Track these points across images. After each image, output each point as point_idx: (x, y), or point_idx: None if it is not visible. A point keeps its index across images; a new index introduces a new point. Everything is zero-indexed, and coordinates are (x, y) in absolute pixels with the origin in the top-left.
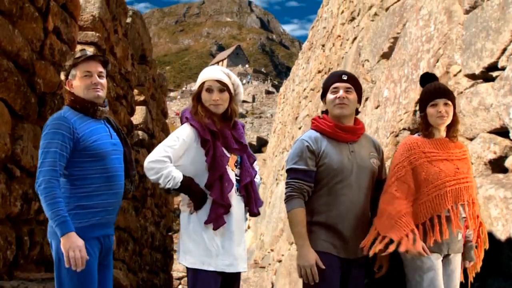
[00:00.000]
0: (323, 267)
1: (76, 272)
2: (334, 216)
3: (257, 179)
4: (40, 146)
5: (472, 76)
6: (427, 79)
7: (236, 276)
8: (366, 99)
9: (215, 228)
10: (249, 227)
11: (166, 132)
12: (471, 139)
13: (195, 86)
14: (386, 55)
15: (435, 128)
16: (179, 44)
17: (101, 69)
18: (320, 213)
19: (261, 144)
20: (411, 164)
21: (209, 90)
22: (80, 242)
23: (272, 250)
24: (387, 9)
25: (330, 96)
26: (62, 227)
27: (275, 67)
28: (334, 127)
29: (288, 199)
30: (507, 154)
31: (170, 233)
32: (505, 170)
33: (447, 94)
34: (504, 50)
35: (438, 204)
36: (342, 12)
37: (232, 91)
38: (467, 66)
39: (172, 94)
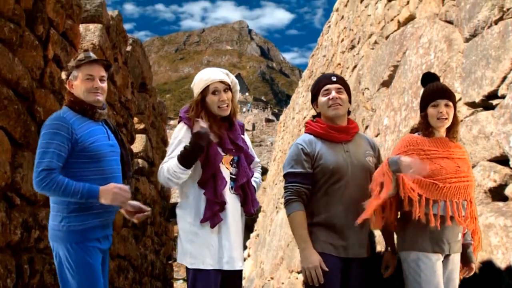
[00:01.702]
0: (327, 269)
1: (80, 274)
2: (333, 216)
3: (257, 179)
4: (38, 145)
5: (472, 104)
6: (429, 79)
7: (235, 275)
8: (366, 127)
9: (212, 226)
10: (249, 255)
11: None
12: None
13: (196, 91)
14: (386, 83)
15: (435, 128)
16: (179, 72)
17: (103, 73)
18: (319, 214)
19: (261, 172)
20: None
21: (216, 92)
22: (111, 187)
23: (272, 278)
24: (387, 37)
25: (322, 98)
26: (91, 195)
27: (275, 95)
28: (327, 128)
29: (287, 203)
30: (507, 182)
31: (170, 261)
32: (505, 198)
33: (449, 95)
34: (504, 78)
35: (431, 193)
36: (342, 40)
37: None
38: (467, 94)
39: (172, 122)
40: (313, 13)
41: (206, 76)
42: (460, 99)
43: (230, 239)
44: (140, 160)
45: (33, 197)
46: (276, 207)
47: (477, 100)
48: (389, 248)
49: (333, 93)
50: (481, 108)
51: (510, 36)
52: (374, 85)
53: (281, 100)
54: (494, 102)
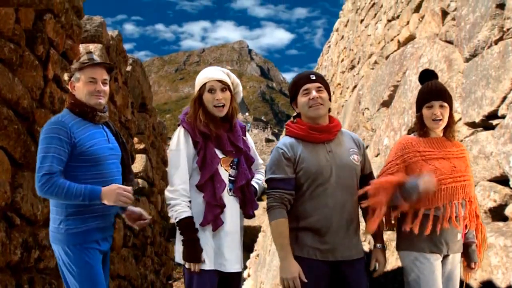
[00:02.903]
0: (305, 280)
1: (80, 275)
2: (319, 219)
3: (259, 180)
4: (38, 151)
5: (472, 124)
6: (427, 76)
7: (234, 277)
8: (366, 147)
9: (214, 229)
10: (249, 275)
11: (166, 180)
12: None
13: (195, 90)
14: (386, 103)
15: (431, 129)
16: (179, 92)
17: (106, 76)
18: (305, 218)
19: (262, 192)
20: (404, 162)
21: (211, 91)
22: (114, 187)
23: None
24: (387, 57)
25: (302, 99)
26: (92, 196)
27: (275, 115)
28: (307, 129)
29: (269, 209)
30: (507, 203)
31: (170, 281)
32: (505, 218)
33: (443, 96)
34: (504, 98)
35: (430, 200)
36: (342, 60)
37: (232, 90)
38: (467, 115)
39: None
40: (313, 33)
41: (205, 75)
42: (460, 119)
43: (227, 241)
44: (140, 180)
45: (33, 217)
46: None
47: (477, 120)
48: (378, 245)
49: (314, 93)
50: (481, 128)
51: (510, 56)
52: (374, 105)
53: (281, 120)
54: (494, 122)
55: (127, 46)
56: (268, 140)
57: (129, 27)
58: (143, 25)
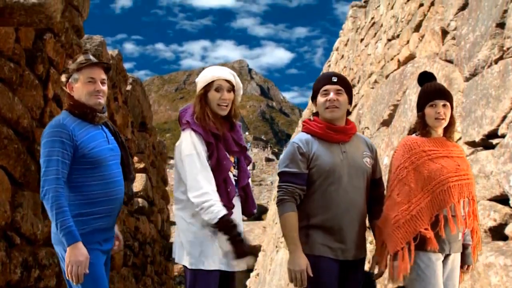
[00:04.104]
0: (312, 274)
1: (86, 276)
2: (329, 218)
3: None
4: (41, 154)
5: (472, 144)
6: (425, 78)
7: (232, 276)
8: None
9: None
10: None
11: (166, 199)
12: None
13: (200, 86)
14: (386, 123)
15: (432, 128)
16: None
17: (104, 76)
18: (315, 216)
19: (261, 211)
20: (412, 164)
21: (218, 90)
22: (83, 256)
23: None
24: (387, 76)
25: (320, 99)
26: (68, 237)
27: (275, 134)
28: (325, 129)
29: (280, 202)
30: (507, 222)
31: None
32: (505, 238)
33: (446, 96)
34: (504, 117)
35: (443, 200)
36: None
37: (235, 91)
38: (467, 134)
39: (172, 161)
40: (313, 53)
41: (212, 73)
42: (460, 138)
43: None
44: (140, 200)
45: (33, 236)
46: (276, 246)
47: (477, 139)
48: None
49: (331, 95)
50: (481, 147)
51: (510, 75)
52: (374, 124)
53: (281, 140)
54: (494, 141)
55: (127, 65)
56: (268, 159)
57: (129, 46)
58: (143, 44)
